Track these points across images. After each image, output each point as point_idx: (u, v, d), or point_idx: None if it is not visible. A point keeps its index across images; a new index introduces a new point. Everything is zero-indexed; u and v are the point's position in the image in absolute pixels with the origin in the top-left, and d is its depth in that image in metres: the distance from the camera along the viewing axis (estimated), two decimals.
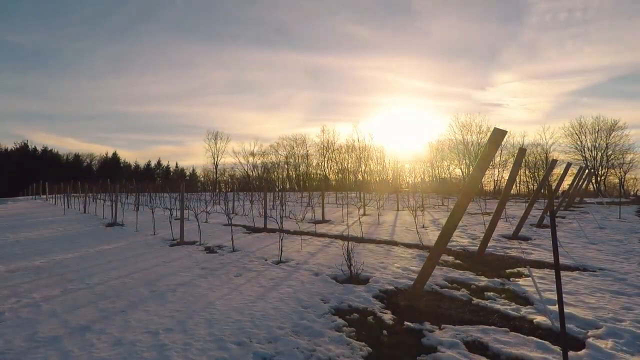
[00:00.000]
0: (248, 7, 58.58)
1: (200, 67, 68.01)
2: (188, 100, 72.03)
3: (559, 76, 54.92)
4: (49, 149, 60.99)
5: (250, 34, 61.01)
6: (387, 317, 3.49)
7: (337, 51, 57.31)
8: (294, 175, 53.18)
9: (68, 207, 19.48)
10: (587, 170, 18.02)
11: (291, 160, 52.59)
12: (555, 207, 10.28)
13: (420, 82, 58.88)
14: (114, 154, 67.83)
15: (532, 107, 58.28)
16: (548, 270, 5.06)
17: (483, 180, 32.79)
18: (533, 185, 39.04)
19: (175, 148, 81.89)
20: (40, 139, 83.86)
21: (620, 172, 38.86)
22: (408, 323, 3.33)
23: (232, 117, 71.86)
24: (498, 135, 3.50)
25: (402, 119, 64.62)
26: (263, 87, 67.96)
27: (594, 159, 39.28)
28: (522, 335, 3.01)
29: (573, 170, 15.13)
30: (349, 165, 49.69)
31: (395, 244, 7.27)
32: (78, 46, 67.78)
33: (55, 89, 72.01)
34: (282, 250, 5.99)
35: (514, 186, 11.35)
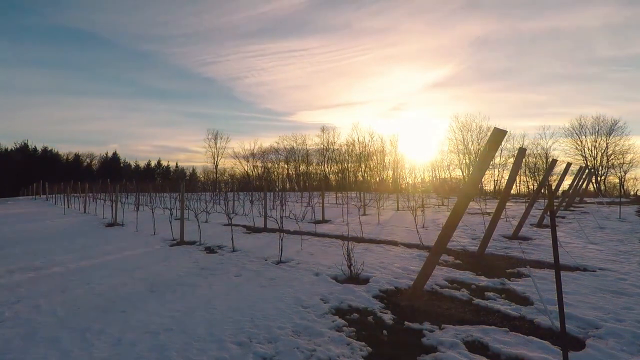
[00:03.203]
0: None
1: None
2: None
3: None
4: (49, 148, 61.09)
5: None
6: (387, 317, 3.49)
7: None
8: (294, 175, 53.23)
9: (68, 207, 19.48)
10: (587, 170, 18.01)
11: (291, 160, 52.70)
12: (555, 207, 10.29)
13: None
14: (114, 154, 67.91)
15: None
16: (548, 270, 5.06)
17: (483, 180, 32.77)
18: (533, 185, 39.05)
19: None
20: None
21: (620, 172, 38.90)
22: (408, 323, 3.33)
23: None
24: (498, 135, 3.50)
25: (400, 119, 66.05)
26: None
27: (594, 159, 39.33)
28: (522, 335, 3.00)
29: (573, 170, 15.13)
30: (349, 165, 49.75)
31: (395, 244, 7.27)
32: None
33: None
34: (282, 250, 5.99)
35: (514, 186, 11.33)
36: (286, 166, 53.50)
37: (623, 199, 18.68)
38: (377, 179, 45.65)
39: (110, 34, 69.02)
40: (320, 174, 50.91)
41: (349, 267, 4.85)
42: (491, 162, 17.95)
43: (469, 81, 61.58)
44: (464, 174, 40.48)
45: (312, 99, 72.16)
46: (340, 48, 64.38)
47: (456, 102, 62.23)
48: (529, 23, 53.67)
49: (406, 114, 66.31)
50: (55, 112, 77.26)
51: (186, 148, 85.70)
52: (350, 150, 49.48)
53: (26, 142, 58.69)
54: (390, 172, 46.35)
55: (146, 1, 64.02)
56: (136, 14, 64.38)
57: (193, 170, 68.68)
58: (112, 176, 36.01)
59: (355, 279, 4.73)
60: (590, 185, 25.87)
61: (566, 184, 16.42)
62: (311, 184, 44.86)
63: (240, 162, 54.77)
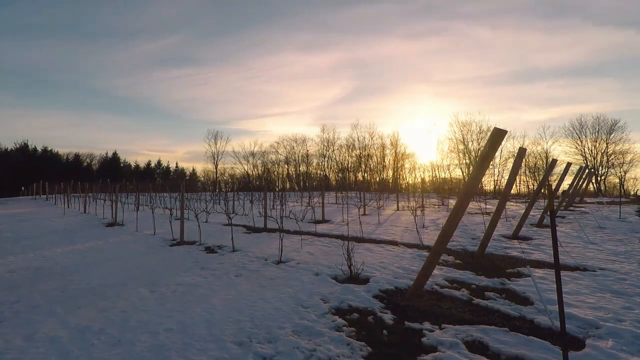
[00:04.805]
0: None
1: None
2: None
3: None
4: (49, 148, 61.05)
5: None
6: (387, 317, 3.49)
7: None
8: (294, 175, 53.19)
9: (68, 207, 19.48)
10: (587, 170, 18.00)
11: (291, 160, 52.64)
12: (555, 207, 10.28)
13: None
14: (114, 154, 67.89)
15: None
16: (548, 270, 5.06)
17: (483, 180, 32.73)
18: (533, 185, 39.03)
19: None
20: None
21: (620, 172, 38.89)
22: (408, 323, 3.33)
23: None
24: (498, 134, 3.50)
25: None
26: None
27: (594, 159, 39.31)
28: (522, 335, 3.00)
29: (573, 170, 15.12)
30: (349, 165, 49.71)
31: (395, 244, 7.27)
32: None
33: None
34: (282, 250, 5.99)
35: (514, 186, 11.29)
36: (286, 166, 53.45)
37: (623, 199, 18.68)
38: (377, 179, 45.63)
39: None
40: (320, 174, 50.88)
41: (349, 267, 4.85)
42: (491, 162, 17.92)
43: (361, 96, 71.42)
44: (464, 174, 40.46)
45: (237, 110, 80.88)
46: (240, 71, 74.12)
47: (359, 113, 72.53)
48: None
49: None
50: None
51: (137, 151, 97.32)
52: (350, 150, 49.47)
53: (26, 142, 58.72)
54: (390, 172, 46.39)
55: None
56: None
57: (193, 170, 68.93)
58: (112, 176, 36.00)
59: (355, 279, 4.73)
60: (590, 185, 25.86)
61: (566, 184, 16.41)
62: (311, 184, 44.85)
63: (240, 162, 54.76)
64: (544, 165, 38.40)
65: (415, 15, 63.15)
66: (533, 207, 9.72)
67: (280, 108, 78.18)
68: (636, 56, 52.28)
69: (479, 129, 40.90)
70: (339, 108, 72.72)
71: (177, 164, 72.62)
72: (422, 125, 71.79)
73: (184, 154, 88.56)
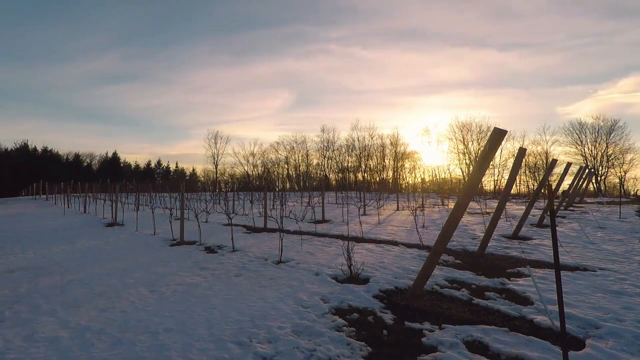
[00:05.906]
0: None
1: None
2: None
3: None
4: (49, 148, 61.08)
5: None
6: (387, 317, 3.49)
7: None
8: (294, 175, 53.18)
9: (68, 207, 19.48)
10: (587, 170, 17.99)
11: (291, 160, 52.63)
12: (555, 207, 10.27)
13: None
14: (114, 154, 67.94)
15: None
16: (548, 270, 5.06)
17: (483, 180, 32.69)
18: (533, 185, 39.02)
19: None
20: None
21: (620, 172, 38.89)
22: (408, 323, 3.33)
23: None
24: (498, 135, 3.50)
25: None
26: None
27: (594, 159, 39.32)
28: (522, 335, 3.00)
29: (573, 170, 15.12)
30: (349, 165, 49.72)
31: (395, 244, 7.27)
32: None
33: None
34: (282, 250, 5.99)
35: (514, 186, 11.31)
36: (286, 166, 53.43)
37: (623, 199, 18.67)
38: (377, 179, 45.64)
39: None
40: (320, 174, 50.87)
41: (349, 267, 4.85)
42: (491, 162, 17.90)
43: (305, 104, 76.39)
44: (464, 174, 40.47)
45: (206, 116, 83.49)
46: (193, 80, 76.92)
47: (310, 120, 77.82)
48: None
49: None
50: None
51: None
52: (350, 150, 49.49)
53: (26, 142, 58.75)
54: (390, 172, 46.40)
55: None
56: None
57: (193, 170, 68.98)
58: (112, 176, 35.98)
59: (355, 278, 4.73)
60: (590, 186, 25.83)
61: (566, 184, 16.41)
62: (311, 184, 44.84)
63: (240, 162, 54.75)
64: (544, 165, 38.41)
65: (288, 40, 70.49)
66: (533, 207, 9.72)
67: (234, 116, 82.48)
68: (496, 71, 61.52)
69: (479, 129, 40.97)
70: (286, 116, 77.47)
71: (177, 164, 72.72)
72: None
73: (147, 154, 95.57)
